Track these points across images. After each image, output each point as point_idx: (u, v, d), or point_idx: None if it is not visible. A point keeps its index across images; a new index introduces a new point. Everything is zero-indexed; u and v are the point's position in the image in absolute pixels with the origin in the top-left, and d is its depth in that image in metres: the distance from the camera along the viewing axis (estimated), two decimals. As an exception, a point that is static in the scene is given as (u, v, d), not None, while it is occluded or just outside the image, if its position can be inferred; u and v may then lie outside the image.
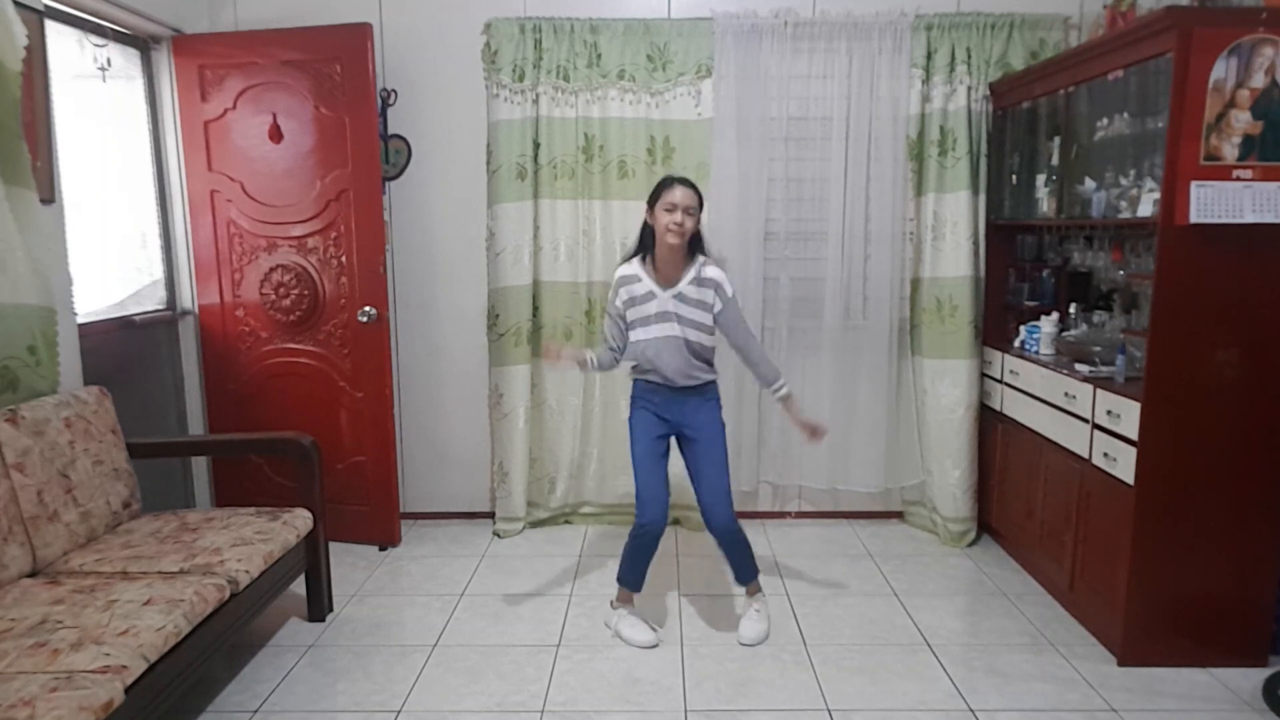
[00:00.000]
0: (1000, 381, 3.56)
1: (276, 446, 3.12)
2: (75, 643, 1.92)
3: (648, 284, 2.75)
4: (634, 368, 2.84)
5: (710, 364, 2.83)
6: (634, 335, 2.78)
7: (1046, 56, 3.43)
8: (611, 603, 2.98)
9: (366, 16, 3.51)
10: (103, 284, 3.35)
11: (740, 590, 3.02)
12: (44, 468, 2.41)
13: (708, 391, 2.84)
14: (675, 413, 2.81)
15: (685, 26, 3.59)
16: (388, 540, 3.68)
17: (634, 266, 2.79)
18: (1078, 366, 3.00)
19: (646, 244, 2.77)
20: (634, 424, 2.86)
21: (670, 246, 2.70)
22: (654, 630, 2.87)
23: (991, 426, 3.64)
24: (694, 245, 2.76)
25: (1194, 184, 2.42)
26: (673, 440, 2.91)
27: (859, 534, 3.84)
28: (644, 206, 2.81)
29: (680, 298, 2.73)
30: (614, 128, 3.64)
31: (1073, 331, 3.24)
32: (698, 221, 2.72)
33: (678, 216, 2.65)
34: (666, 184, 2.71)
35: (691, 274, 2.73)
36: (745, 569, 2.92)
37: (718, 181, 3.61)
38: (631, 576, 2.89)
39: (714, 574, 3.39)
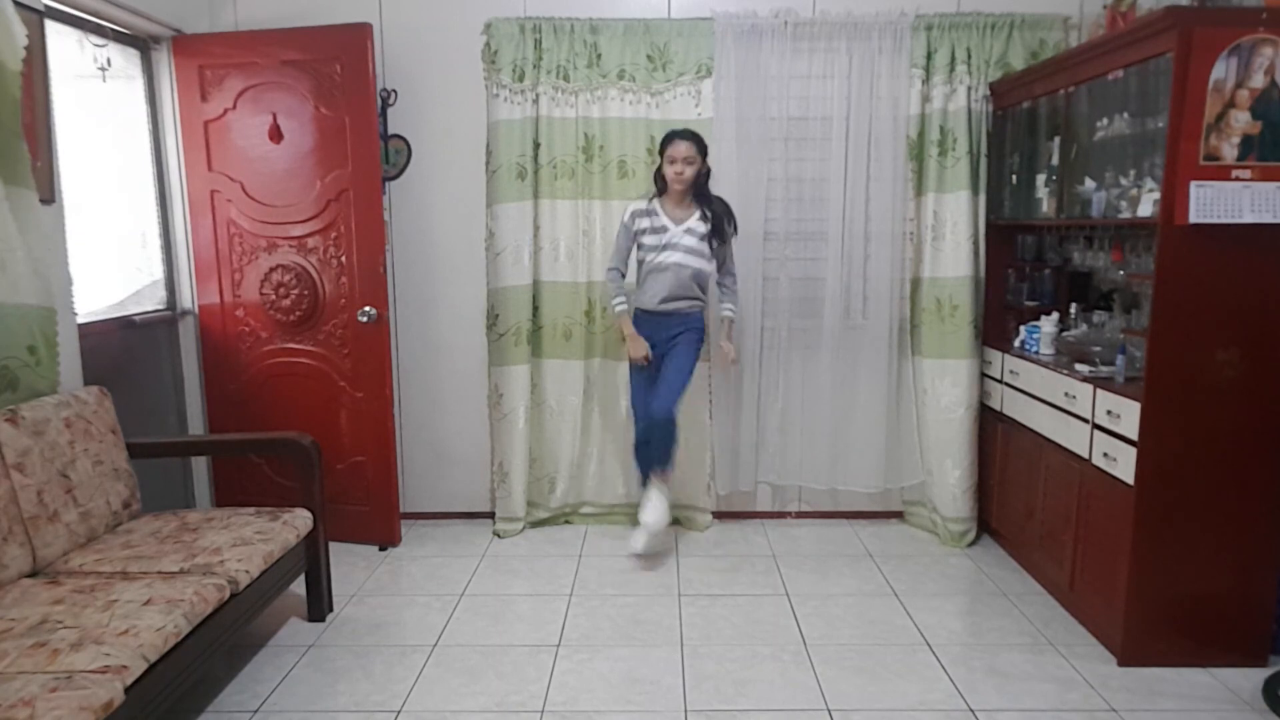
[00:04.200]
0: (1000, 381, 3.56)
1: (276, 446, 3.12)
2: (75, 643, 1.92)
3: (661, 219, 3.33)
4: (640, 294, 3.39)
5: (703, 292, 3.41)
6: (645, 257, 3.35)
7: (1046, 56, 3.43)
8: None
9: (366, 16, 3.51)
10: (103, 284, 3.35)
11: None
12: (44, 468, 2.41)
13: (691, 320, 3.40)
14: (661, 335, 3.38)
15: (685, 26, 3.59)
16: (388, 540, 3.68)
17: (649, 204, 3.37)
18: (1078, 366, 3.00)
19: (660, 186, 3.38)
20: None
21: (676, 192, 3.31)
22: (662, 512, 3.43)
23: (991, 426, 3.64)
24: (702, 188, 3.34)
25: (1193, 184, 2.42)
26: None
27: (859, 534, 3.84)
28: None
29: (689, 231, 3.31)
30: (614, 128, 3.63)
31: (1073, 331, 3.24)
32: (699, 167, 3.30)
33: (678, 167, 3.25)
34: (668, 139, 3.29)
35: (698, 212, 3.33)
36: (666, 457, 3.39)
37: (717, 181, 3.59)
38: (643, 471, 3.50)
39: (714, 574, 3.40)
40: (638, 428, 3.47)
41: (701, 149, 3.30)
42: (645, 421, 3.39)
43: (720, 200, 3.38)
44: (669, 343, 3.38)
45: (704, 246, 3.32)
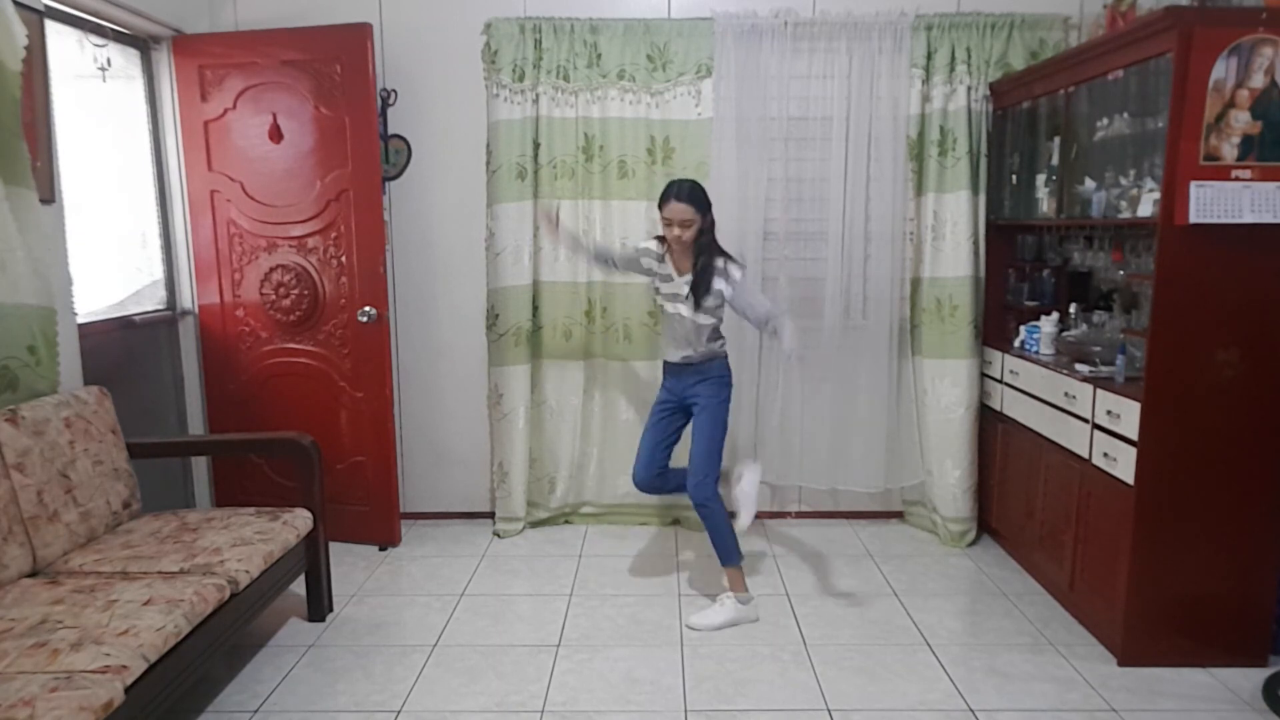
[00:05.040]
0: (1000, 381, 3.56)
1: (276, 446, 3.12)
2: (75, 643, 1.92)
3: (668, 267, 3.02)
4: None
5: (710, 341, 3.03)
6: (658, 301, 3.09)
7: (1046, 56, 3.43)
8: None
9: (366, 16, 3.51)
10: (103, 284, 3.35)
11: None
12: (44, 468, 2.41)
13: (708, 370, 3.05)
14: (678, 387, 3.10)
15: (685, 26, 3.59)
16: (388, 540, 3.69)
17: (660, 247, 3.04)
18: (1078, 366, 3.00)
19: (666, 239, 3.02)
20: (656, 398, 3.22)
21: (676, 250, 2.99)
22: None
23: (991, 426, 3.64)
24: (706, 238, 2.95)
25: (1193, 184, 2.42)
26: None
27: (859, 534, 3.84)
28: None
29: (690, 284, 2.96)
30: (614, 128, 3.64)
31: (1073, 331, 3.24)
32: (700, 225, 2.91)
33: (675, 230, 2.91)
34: (664, 196, 2.93)
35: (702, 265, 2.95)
36: (718, 549, 3.03)
37: (717, 181, 3.60)
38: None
39: (713, 574, 3.38)
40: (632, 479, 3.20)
41: (702, 207, 2.90)
42: (637, 478, 3.14)
43: (712, 257, 2.94)
44: (688, 396, 3.06)
45: (708, 299, 2.95)
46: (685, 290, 2.95)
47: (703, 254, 2.93)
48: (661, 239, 3.03)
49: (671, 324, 3.04)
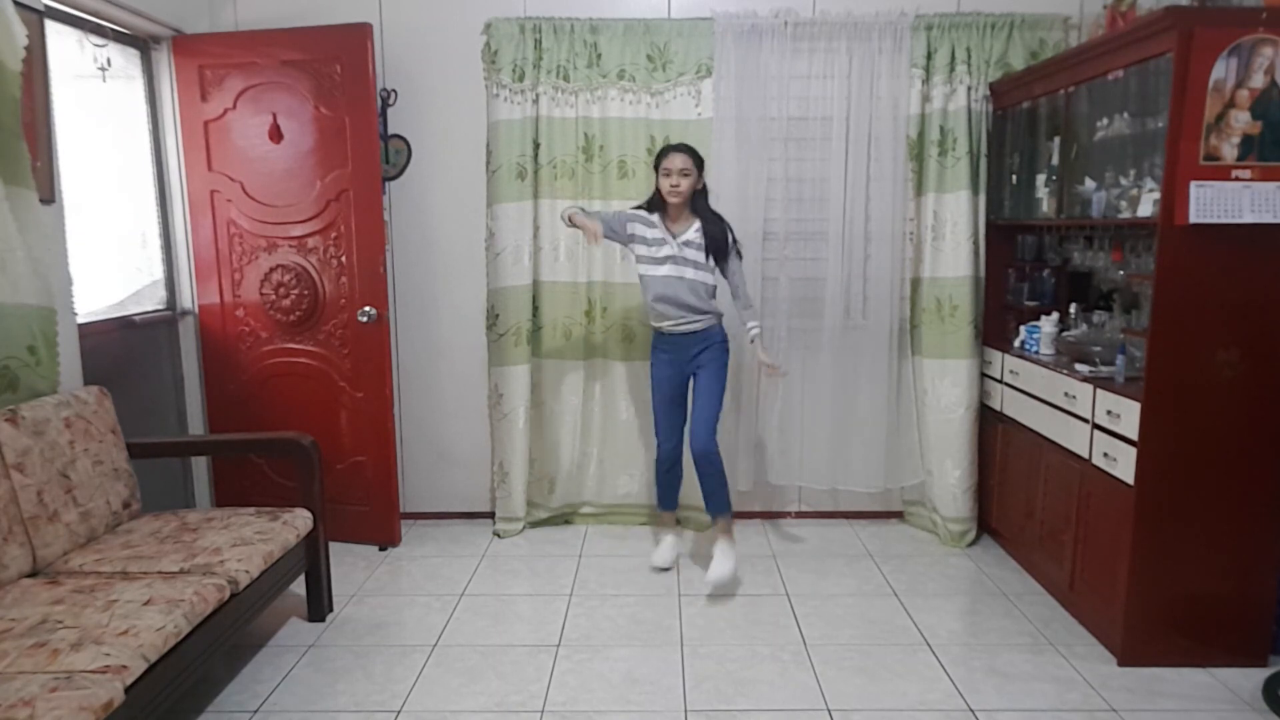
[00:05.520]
0: (1000, 381, 3.56)
1: (276, 446, 3.12)
2: (75, 643, 1.92)
3: (660, 231, 3.18)
4: (650, 312, 3.26)
5: (711, 300, 3.21)
6: (643, 270, 3.21)
7: (1046, 56, 3.43)
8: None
9: (366, 16, 3.51)
10: (103, 284, 3.35)
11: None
12: (44, 468, 2.41)
13: (712, 336, 3.23)
14: (681, 358, 3.25)
15: (685, 26, 3.59)
16: (388, 540, 3.69)
17: (649, 215, 3.22)
18: (1078, 366, 3.00)
19: (656, 203, 3.22)
20: (653, 372, 3.35)
21: (674, 205, 3.16)
22: (670, 557, 3.44)
23: (991, 426, 3.64)
24: (700, 200, 3.19)
25: (1193, 184, 2.42)
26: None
27: (859, 534, 3.84)
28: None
29: (686, 244, 3.15)
30: (614, 127, 3.64)
31: (1073, 331, 3.24)
32: (696, 180, 3.15)
33: (673, 179, 3.10)
34: (664, 152, 3.16)
35: (697, 225, 3.16)
36: (716, 500, 3.22)
37: (717, 181, 3.59)
38: (662, 499, 3.53)
39: (714, 574, 3.40)
40: (658, 451, 3.39)
41: (697, 162, 3.13)
42: (667, 448, 3.35)
43: (719, 217, 3.20)
44: (692, 364, 3.24)
45: (702, 257, 3.15)
46: (684, 250, 3.12)
47: (707, 216, 3.17)
48: (648, 208, 3.22)
49: (663, 290, 3.14)
